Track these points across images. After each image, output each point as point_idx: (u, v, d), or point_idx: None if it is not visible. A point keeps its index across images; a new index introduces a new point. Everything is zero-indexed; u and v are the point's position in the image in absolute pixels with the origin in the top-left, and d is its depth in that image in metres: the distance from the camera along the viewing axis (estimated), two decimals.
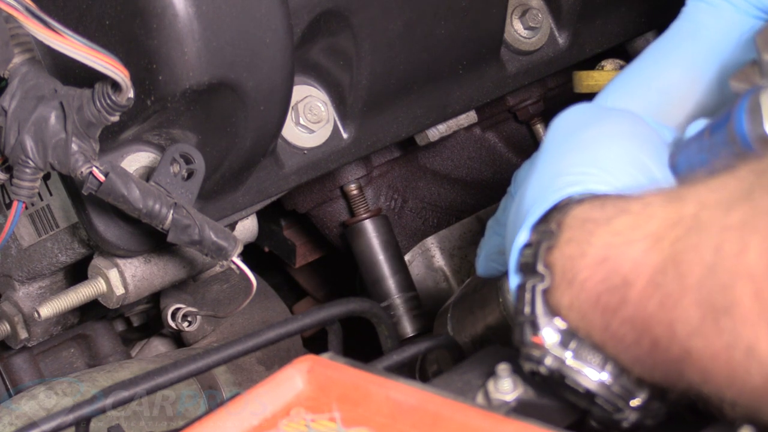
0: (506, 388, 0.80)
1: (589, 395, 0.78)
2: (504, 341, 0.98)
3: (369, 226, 1.35)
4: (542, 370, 0.78)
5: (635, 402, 0.78)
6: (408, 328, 1.33)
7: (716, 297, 0.67)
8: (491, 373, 0.81)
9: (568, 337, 0.77)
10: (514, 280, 0.81)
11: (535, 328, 0.78)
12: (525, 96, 1.40)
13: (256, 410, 0.75)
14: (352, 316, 0.94)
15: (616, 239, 0.74)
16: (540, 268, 0.78)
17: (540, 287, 0.78)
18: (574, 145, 0.84)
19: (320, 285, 1.57)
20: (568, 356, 0.77)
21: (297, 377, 0.77)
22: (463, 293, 1.13)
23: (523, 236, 0.81)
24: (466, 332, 1.06)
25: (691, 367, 0.71)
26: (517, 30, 1.28)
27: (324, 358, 0.78)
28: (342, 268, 1.38)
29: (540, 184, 0.82)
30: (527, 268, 0.79)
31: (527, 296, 0.79)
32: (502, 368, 0.81)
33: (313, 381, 0.77)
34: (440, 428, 0.74)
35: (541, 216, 0.80)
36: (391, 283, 1.33)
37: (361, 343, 1.10)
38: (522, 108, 1.42)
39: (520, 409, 0.80)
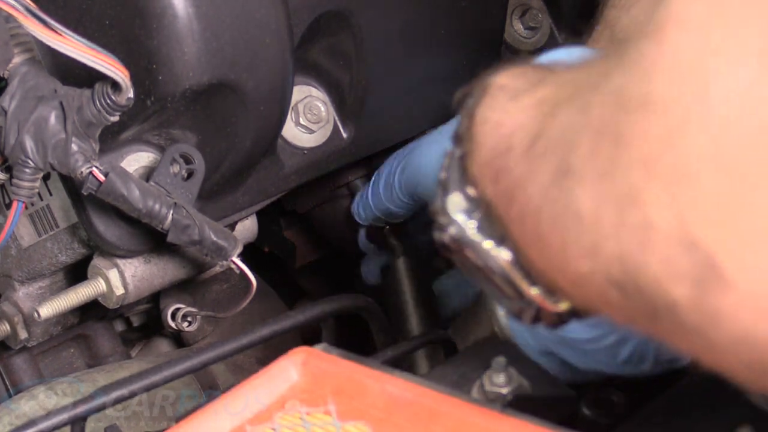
0: (502, 381, 0.80)
1: (487, 270, 0.71)
2: None
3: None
4: (445, 237, 0.72)
5: (535, 290, 0.71)
6: None
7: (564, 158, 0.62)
8: (487, 366, 0.81)
9: (475, 206, 0.72)
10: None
11: (445, 193, 0.73)
12: None
13: (251, 403, 0.75)
14: (346, 313, 0.94)
15: (512, 105, 0.69)
16: (461, 131, 0.73)
17: (457, 153, 0.73)
18: None
19: (320, 285, 1.56)
20: (471, 226, 0.71)
21: (291, 369, 0.77)
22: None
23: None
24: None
25: (539, 245, 0.65)
26: (517, 30, 1.28)
27: (318, 350, 0.78)
28: (342, 268, 1.38)
29: None
30: (456, 138, 0.74)
31: (446, 162, 0.74)
32: (498, 361, 0.81)
33: (308, 373, 0.77)
34: (436, 424, 0.73)
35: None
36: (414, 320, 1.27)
37: (354, 343, 1.09)
38: None
39: (516, 403, 0.80)
